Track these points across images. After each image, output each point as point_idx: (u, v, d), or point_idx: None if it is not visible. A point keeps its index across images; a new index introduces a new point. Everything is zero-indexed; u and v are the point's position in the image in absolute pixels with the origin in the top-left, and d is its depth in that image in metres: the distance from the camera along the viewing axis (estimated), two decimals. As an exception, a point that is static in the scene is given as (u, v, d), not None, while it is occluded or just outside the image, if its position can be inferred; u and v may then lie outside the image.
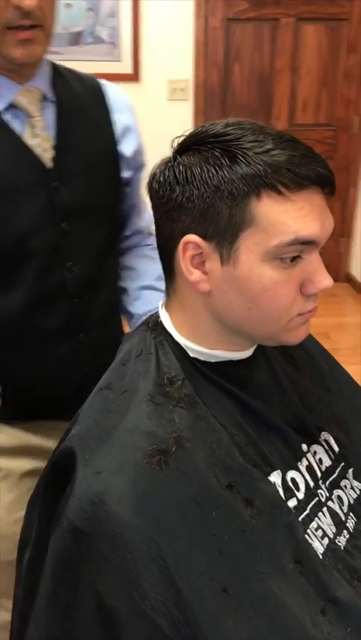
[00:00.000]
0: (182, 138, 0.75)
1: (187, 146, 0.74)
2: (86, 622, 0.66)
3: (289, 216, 0.68)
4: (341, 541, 0.79)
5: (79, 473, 0.70)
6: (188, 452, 0.71)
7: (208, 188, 0.69)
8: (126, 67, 3.36)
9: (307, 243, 0.69)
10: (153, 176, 0.76)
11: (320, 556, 0.74)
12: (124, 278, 1.29)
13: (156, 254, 1.31)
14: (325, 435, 0.87)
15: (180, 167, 0.72)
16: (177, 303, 0.80)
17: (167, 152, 0.75)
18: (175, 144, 0.76)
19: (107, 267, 1.20)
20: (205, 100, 3.46)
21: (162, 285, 1.25)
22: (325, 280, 0.72)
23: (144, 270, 1.28)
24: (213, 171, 0.69)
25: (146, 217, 1.31)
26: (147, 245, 1.32)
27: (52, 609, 0.69)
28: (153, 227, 1.23)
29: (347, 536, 0.80)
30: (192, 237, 0.71)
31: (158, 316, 0.84)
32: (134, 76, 3.37)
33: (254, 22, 3.37)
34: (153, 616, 0.63)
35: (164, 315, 0.83)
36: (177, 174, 0.72)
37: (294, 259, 0.70)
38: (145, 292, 1.26)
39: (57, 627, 0.69)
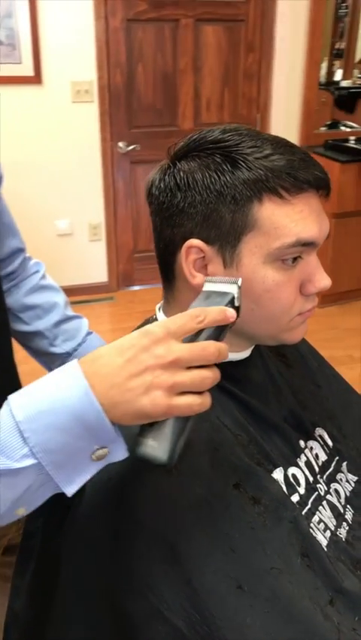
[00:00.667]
0: (179, 145, 0.75)
1: (185, 153, 0.73)
2: (102, 628, 0.66)
3: (290, 219, 0.70)
4: (342, 532, 0.82)
5: (87, 481, 0.69)
6: (196, 454, 0.72)
7: (211, 194, 0.70)
8: (27, 70, 3.26)
9: (307, 245, 0.72)
10: (151, 183, 0.75)
11: (325, 549, 0.76)
12: (30, 319, 1.13)
13: (48, 280, 1.20)
14: (319, 430, 0.90)
15: (181, 173, 0.72)
16: (176, 306, 0.80)
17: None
18: (171, 151, 0.75)
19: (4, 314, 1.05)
20: (110, 101, 3.43)
21: (71, 310, 1.18)
22: (324, 280, 0.74)
23: (50, 304, 1.15)
24: (216, 176, 0.70)
25: (20, 236, 1.13)
26: (34, 273, 1.17)
27: (68, 618, 0.69)
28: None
29: (347, 528, 0.83)
30: (195, 242, 0.72)
31: (156, 320, 0.83)
32: (36, 79, 3.28)
33: (154, 23, 3.37)
34: (171, 617, 0.64)
35: (162, 319, 0.82)
36: (178, 180, 0.72)
37: (294, 260, 0.72)
38: (63, 327, 1.14)
39: (73, 635, 0.69)
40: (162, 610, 0.64)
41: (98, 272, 3.83)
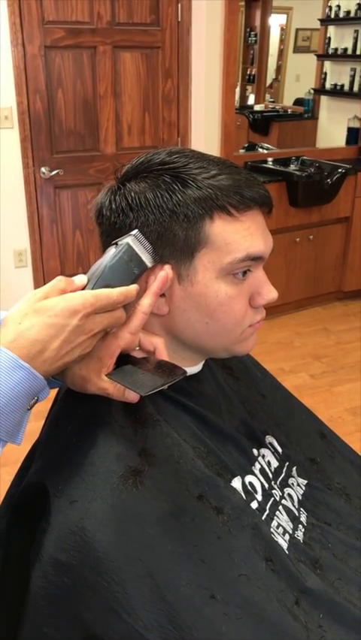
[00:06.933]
0: (125, 167, 0.76)
1: (134, 175, 0.75)
2: None
3: (239, 235, 0.73)
4: (299, 535, 0.85)
5: (53, 505, 0.69)
6: (159, 469, 0.73)
7: (164, 212, 0.72)
8: None
9: (255, 259, 0.75)
10: (101, 205, 0.76)
11: (286, 552, 0.79)
12: None
13: None
14: (269, 438, 0.93)
15: (132, 193, 0.74)
16: None
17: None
18: (119, 173, 0.77)
19: None
20: (32, 127, 3.42)
21: None
22: (271, 292, 0.78)
23: None
24: (168, 196, 0.72)
25: None
26: None
27: None
28: None
29: (303, 530, 0.86)
30: None
31: None
32: None
33: (73, 50, 3.40)
34: (147, 635, 0.63)
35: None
36: (130, 200, 0.73)
37: (244, 274, 0.75)
38: None
39: None
40: (137, 629, 0.63)
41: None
